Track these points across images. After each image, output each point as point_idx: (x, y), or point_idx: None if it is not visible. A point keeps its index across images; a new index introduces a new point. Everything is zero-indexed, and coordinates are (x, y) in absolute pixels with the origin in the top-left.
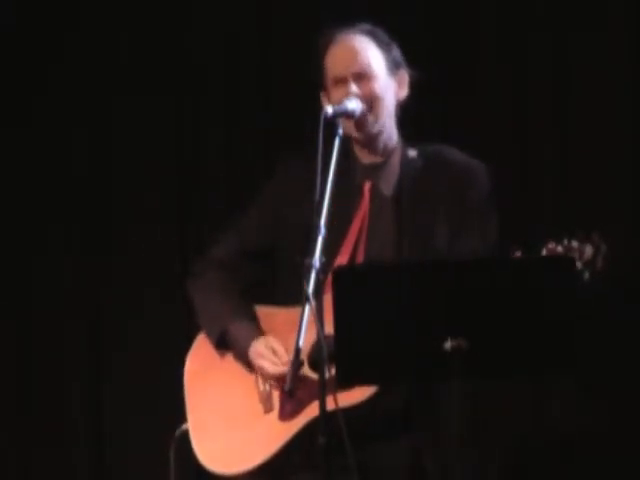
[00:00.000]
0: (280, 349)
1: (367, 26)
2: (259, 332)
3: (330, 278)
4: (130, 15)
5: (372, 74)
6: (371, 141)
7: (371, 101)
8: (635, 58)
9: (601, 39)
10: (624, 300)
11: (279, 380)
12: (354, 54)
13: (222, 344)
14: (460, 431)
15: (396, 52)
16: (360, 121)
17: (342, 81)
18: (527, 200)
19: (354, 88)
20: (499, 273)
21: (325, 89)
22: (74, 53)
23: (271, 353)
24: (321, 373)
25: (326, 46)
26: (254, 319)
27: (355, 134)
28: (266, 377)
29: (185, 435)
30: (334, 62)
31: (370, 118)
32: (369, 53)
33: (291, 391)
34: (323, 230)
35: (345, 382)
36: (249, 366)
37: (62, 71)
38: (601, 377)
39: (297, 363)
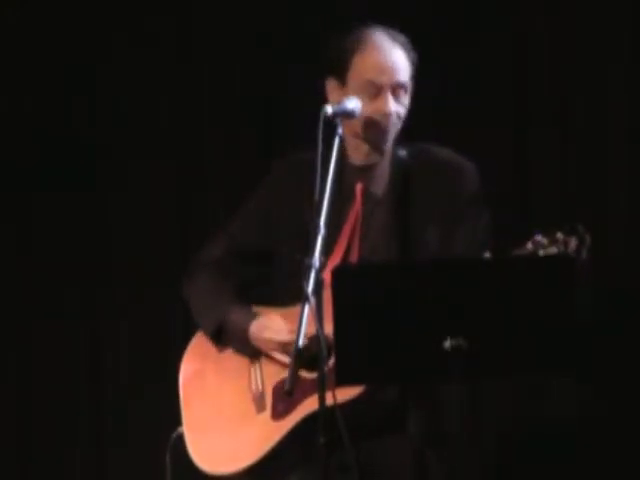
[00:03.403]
0: (281, 322)
1: (402, 37)
2: (257, 315)
3: (327, 278)
4: (129, 14)
5: (405, 88)
6: (382, 147)
7: (400, 114)
8: (635, 57)
9: (602, 39)
10: (623, 300)
11: (286, 347)
12: (396, 68)
13: (218, 337)
14: (460, 429)
15: (416, 64)
16: (382, 130)
17: (378, 91)
18: (525, 199)
19: (391, 101)
20: (499, 273)
21: (335, 78)
22: (74, 50)
23: (274, 324)
24: (320, 372)
25: (359, 46)
26: (251, 309)
27: (371, 140)
28: (273, 347)
29: (181, 438)
30: (373, 71)
31: (393, 130)
32: (405, 67)
33: (291, 391)
34: (323, 229)
35: (345, 382)
36: (250, 348)
37: (62, 68)
38: (601, 375)
39: (297, 363)
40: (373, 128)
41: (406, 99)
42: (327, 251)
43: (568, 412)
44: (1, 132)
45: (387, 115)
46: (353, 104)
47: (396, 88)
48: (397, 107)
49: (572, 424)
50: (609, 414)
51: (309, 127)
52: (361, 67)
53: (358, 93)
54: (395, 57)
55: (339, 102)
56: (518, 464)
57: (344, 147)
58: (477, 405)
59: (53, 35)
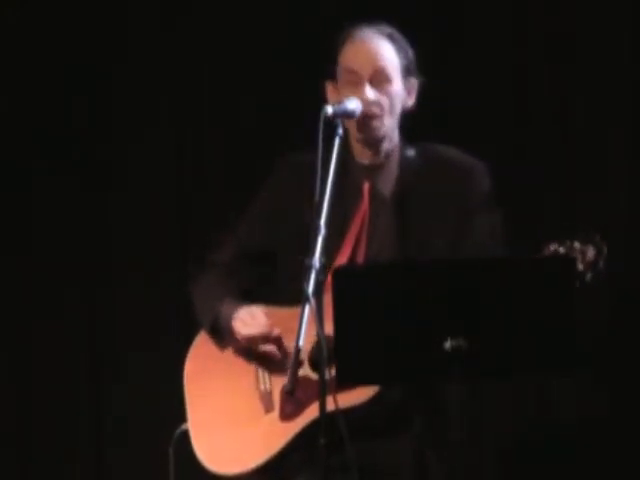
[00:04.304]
0: (259, 314)
1: (388, 29)
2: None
3: (330, 278)
4: (128, 15)
5: (388, 78)
6: (375, 143)
7: (383, 105)
8: (635, 58)
9: (602, 39)
10: (623, 300)
11: (251, 341)
12: (374, 56)
13: (216, 331)
14: (460, 430)
15: (411, 58)
16: (366, 122)
17: (357, 79)
18: (527, 200)
19: (369, 90)
20: (499, 273)
21: (333, 80)
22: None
23: (249, 316)
24: (321, 373)
25: (344, 41)
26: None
27: (358, 135)
28: (239, 339)
29: (184, 435)
30: (352, 59)
31: (376, 122)
32: (388, 57)
33: (291, 391)
34: (323, 230)
35: (345, 382)
36: (237, 344)
37: (62, 68)
38: (601, 374)
39: (297, 363)
40: (364, 127)
41: (392, 89)
42: (334, 250)
43: (568, 412)
44: (1, 132)
45: (367, 103)
46: (354, 104)
47: (376, 76)
48: (379, 97)
49: (572, 424)
50: (609, 414)
51: (310, 127)
52: (343, 58)
53: (344, 86)
54: (375, 45)
55: (339, 102)
56: (518, 464)
57: (351, 147)
58: (477, 405)
59: (53, 35)
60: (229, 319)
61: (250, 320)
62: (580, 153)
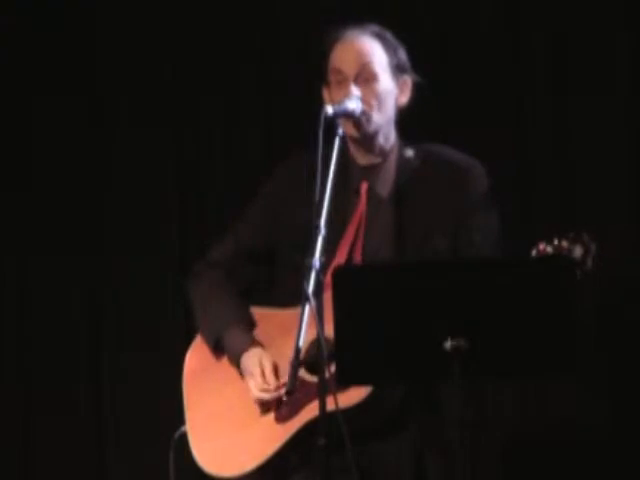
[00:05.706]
0: (269, 371)
1: (376, 28)
2: (252, 341)
3: (328, 278)
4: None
5: (374, 75)
6: (366, 142)
7: (370, 102)
8: (635, 57)
9: (601, 38)
10: (621, 299)
11: (260, 403)
12: (358, 54)
13: (218, 349)
14: (460, 430)
15: (402, 56)
16: (357, 121)
17: (344, 79)
18: (525, 199)
19: (354, 88)
20: (499, 273)
21: (327, 85)
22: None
23: (260, 374)
24: (321, 373)
25: (332, 43)
26: (250, 324)
27: (352, 134)
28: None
29: (184, 437)
30: (338, 60)
31: (365, 119)
32: (374, 54)
33: (291, 391)
34: (323, 230)
35: (345, 382)
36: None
37: (62, 67)
38: (601, 376)
39: (297, 363)
40: (353, 125)
41: (379, 86)
42: (331, 251)
43: (568, 412)
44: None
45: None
46: (353, 104)
47: (362, 73)
48: (365, 94)
49: (572, 424)
50: (609, 414)
51: (310, 127)
52: (331, 60)
53: (333, 87)
54: (360, 43)
55: (340, 102)
56: (518, 464)
57: (348, 148)
58: (477, 405)
59: (52, 35)
60: (235, 356)
61: (261, 382)
62: (580, 153)
